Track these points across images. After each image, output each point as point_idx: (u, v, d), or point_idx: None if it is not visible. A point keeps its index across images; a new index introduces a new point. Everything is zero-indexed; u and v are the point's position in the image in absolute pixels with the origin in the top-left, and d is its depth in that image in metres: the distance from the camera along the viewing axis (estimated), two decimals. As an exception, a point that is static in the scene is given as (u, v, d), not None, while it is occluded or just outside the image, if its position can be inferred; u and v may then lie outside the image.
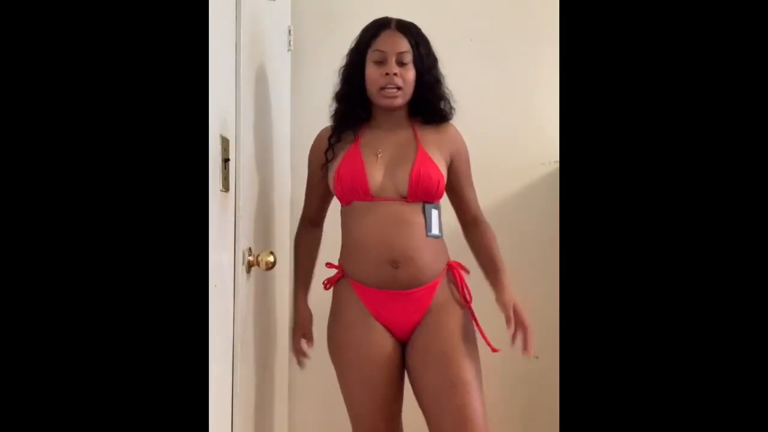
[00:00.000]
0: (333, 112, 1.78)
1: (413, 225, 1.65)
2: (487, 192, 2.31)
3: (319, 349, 1.74)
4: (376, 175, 1.66)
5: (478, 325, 1.71)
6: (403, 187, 1.65)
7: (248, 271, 1.61)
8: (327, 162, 1.74)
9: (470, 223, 1.81)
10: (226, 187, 1.47)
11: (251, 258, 1.61)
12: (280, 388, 2.17)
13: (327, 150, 1.73)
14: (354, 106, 1.75)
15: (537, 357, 2.33)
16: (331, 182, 1.72)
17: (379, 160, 1.68)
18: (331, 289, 1.76)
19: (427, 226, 1.66)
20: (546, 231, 2.30)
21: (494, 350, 1.68)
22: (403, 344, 1.70)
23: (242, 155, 1.57)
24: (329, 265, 1.77)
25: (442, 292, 1.69)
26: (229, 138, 1.49)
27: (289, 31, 2.31)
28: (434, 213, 1.68)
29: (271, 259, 1.63)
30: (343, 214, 1.73)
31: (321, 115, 1.80)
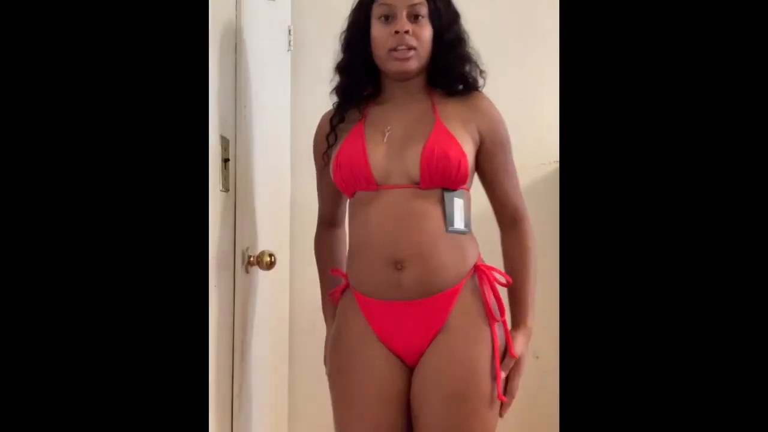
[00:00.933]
0: (334, 87, 1.47)
1: (427, 217, 1.30)
2: (487, 192, 2.32)
3: (319, 349, 1.74)
4: (380, 158, 1.33)
5: (508, 349, 1.34)
6: (414, 170, 1.31)
7: (248, 271, 1.61)
8: (329, 147, 1.43)
9: (506, 224, 1.44)
10: (226, 187, 1.47)
11: (251, 258, 1.61)
12: (280, 388, 2.17)
13: (329, 134, 1.43)
14: (358, 76, 1.43)
15: (537, 357, 2.35)
16: (330, 170, 1.41)
17: (386, 140, 1.35)
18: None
19: (447, 219, 1.30)
20: (546, 231, 2.29)
21: (501, 399, 1.33)
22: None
23: (242, 155, 1.57)
24: (334, 271, 1.51)
25: (464, 302, 1.32)
26: (229, 138, 1.50)
27: (289, 31, 2.31)
28: (457, 203, 1.32)
29: (270, 259, 1.63)
30: (349, 209, 1.43)
31: (321, 115, 1.79)
